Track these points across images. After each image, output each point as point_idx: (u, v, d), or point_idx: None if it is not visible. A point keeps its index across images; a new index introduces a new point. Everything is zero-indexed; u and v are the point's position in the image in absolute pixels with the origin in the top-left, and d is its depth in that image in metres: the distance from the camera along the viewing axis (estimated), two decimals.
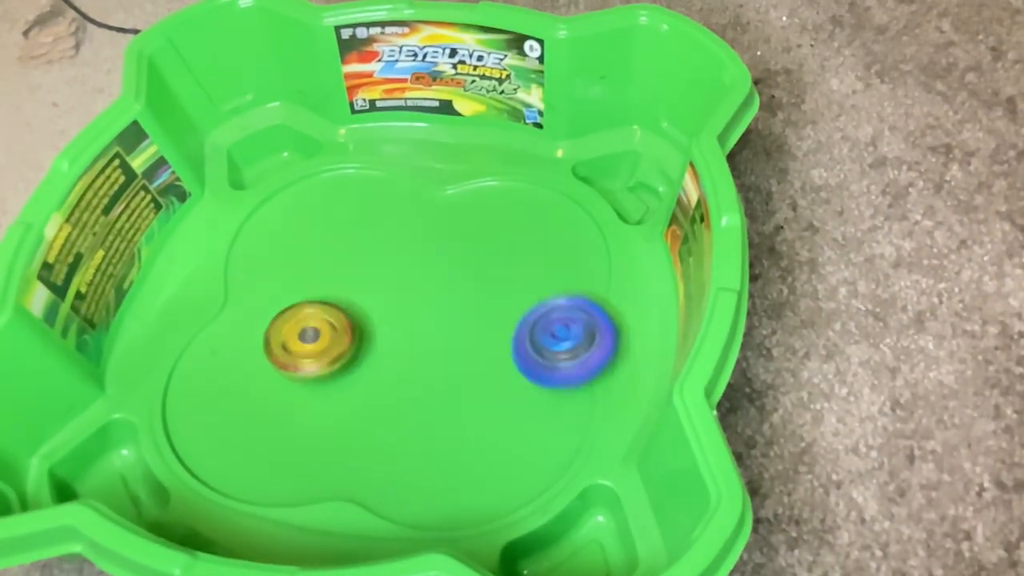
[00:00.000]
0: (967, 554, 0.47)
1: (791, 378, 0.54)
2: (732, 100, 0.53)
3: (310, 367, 0.52)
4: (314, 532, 0.48)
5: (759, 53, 0.70)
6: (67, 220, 0.52)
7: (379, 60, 0.62)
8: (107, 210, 0.55)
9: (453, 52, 0.61)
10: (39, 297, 0.50)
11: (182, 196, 0.60)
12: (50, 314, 0.50)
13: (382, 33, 0.60)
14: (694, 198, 0.51)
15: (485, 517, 0.47)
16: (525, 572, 0.47)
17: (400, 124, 0.65)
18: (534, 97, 0.62)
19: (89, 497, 0.48)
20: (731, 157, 0.51)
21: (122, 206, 0.56)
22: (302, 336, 0.53)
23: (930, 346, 0.54)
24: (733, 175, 0.50)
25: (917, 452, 0.50)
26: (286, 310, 0.54)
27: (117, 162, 0.55)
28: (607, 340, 0.51)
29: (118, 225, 0.56)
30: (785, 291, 0.57)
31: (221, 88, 0.63)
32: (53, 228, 0.51)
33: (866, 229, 0.59)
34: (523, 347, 0.52)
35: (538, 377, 0.51)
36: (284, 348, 0.53)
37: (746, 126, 0.54)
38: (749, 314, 0.55)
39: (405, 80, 0.63)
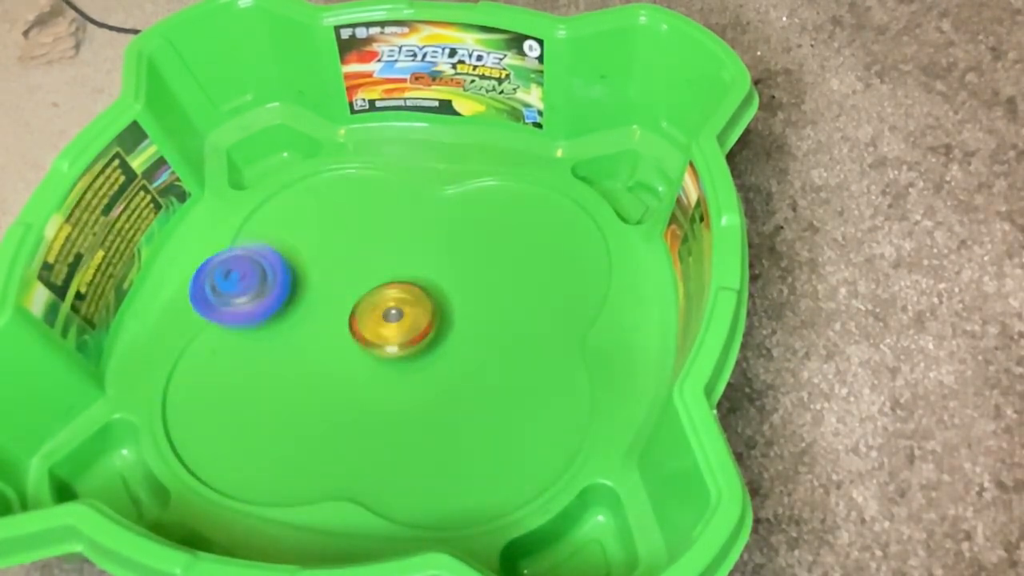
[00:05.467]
0: (967, 554, 0.47)
1: (791, 378, 0.54)
2: (731, 99, 0.53)
3: (394, 346, 0.53)
4: (314, 532, 0.48)
5: (759, 53, 0.70)
6: (67, 220, 0.52)
7: (379, 60, 0.62)
8: (107, 210, 0.55)
9: (452, 52, 0.61)
10: (39, 297, 0.50)
11: (182, 196, 0.60)
12: (50, 314, 0.50)
13: (382, 33, 0.60)
14: (694, 197, 0.51)
15: (485, 516, 0.47)
16: (525, 571, 0.47)
17: (400, 124, 0.65)
18: (533, 97, 0.62)
19: (89, 497, 0.47)
20: (731, 157, 0.51)
21: (122, 206, 0.56)
22: (386, 316, 0.54)
23: (930, 346, 0.54)
24: (733, 175, 0.50)
25: (917, 452, 0.50)
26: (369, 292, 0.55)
27: (117, 162, 0.55)
28: (280, 283, 0.55)
29: (118, 225, 0.56)
30: (785, 291, 0.57)
31: (221, 88, 0.63)
32: (53, 228, 0.51)
33: (866, 229, 0.59)
34: (200, 285, 0.56)
35: (210, 314, 0.55)
36: (372, 327, 0.54)
37: (745, 125, 0.54)
38: (749, 314, 0.55)
39: (405, 80, 0.63)
